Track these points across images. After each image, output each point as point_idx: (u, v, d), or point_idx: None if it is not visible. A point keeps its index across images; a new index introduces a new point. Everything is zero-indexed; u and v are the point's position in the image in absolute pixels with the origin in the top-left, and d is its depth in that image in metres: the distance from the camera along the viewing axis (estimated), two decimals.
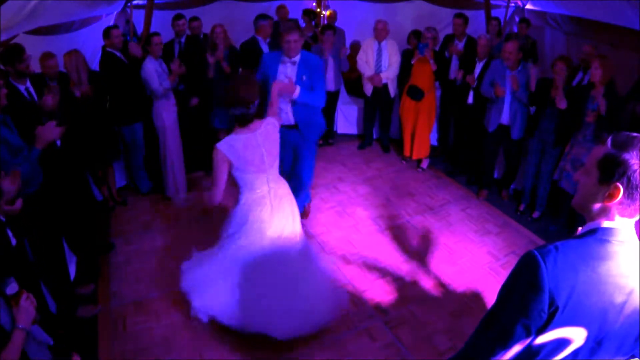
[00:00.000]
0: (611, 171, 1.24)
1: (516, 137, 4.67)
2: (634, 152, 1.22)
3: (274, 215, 2.91)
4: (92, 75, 4.24)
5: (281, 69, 3.82)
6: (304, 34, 4.09)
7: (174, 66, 4.59)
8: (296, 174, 4.20)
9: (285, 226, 2.99)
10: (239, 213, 2.92)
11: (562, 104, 4.03)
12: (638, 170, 1.22)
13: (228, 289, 2.99)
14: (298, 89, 3.71)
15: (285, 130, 3.96)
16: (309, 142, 4.05)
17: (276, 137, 2.87)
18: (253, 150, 2.72)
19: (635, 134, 1.26)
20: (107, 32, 4.54)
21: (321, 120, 4.12)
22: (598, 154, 1.29)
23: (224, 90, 2.81)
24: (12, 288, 2.22)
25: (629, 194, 1.24)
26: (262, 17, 5.43)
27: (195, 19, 5.49)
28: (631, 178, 1.22)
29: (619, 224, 1.28)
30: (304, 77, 3.77)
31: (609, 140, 1.27)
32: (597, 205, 1.30)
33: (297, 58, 3.78)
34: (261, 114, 2.97)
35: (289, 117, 3.93)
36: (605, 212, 1.29)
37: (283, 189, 3.02)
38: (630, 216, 1.28)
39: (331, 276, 3.47)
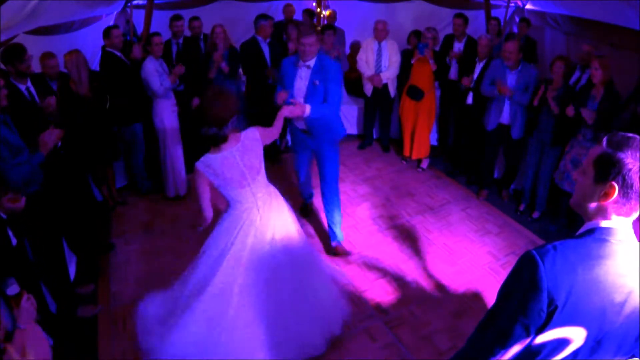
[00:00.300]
0: (606, 170, 1.25)
1: (516, 137, 4.67)
2: (629, 152, 1.23)
3: (264, 223, 2.80)
4: (93, 75, 4.25)
5: (298, 72, 3.73)
6: (321, 39, 3.92)
7: (175, 69, 4.61)
8: (321, 177, 4.05)
9: (280, 229, 2.90)
10: (225, 226, 2.80)
11: (555, 109, 4.08)
12: (633, 170, 1.23)
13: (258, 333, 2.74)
14: (308, 108, 3.55)
15: (301, 134, 3.91)
16: (326, 145, 3.88)
17: (258, 149, 2.74)
18: (231, 168, 2.60)
19: (630, 134, 1.27)
20: (107, 32, 4.54)
21: (337, 124, 3.91)
22: (594, 154, 1.30)
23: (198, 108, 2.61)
24: (13, 289, 2.23)
25: (624, 193, 1.25)
26: (262, 17, 5.43)
27: (195, 18, 5.48)
28: (626, 177, 1.23)
29: (617, 224, 1.29)
30: (317, 82, 3.64)
31: (604, 140, 1.28)
32: (593, 205, 1.31)
33: (312, 62, 3.66)
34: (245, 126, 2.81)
35: (302, 123, 3.84)
36: (601, 212, 1.30)
37: (272, 194, 2.91)
38: (627, 215, 1.29)
39: (334, 276, 3.44)
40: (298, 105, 3.51)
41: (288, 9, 6.29)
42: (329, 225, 4.17)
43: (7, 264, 2.48)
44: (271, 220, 2.84)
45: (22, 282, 2.48)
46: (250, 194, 2.74)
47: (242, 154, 2.64)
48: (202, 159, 2.59)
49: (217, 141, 2.55)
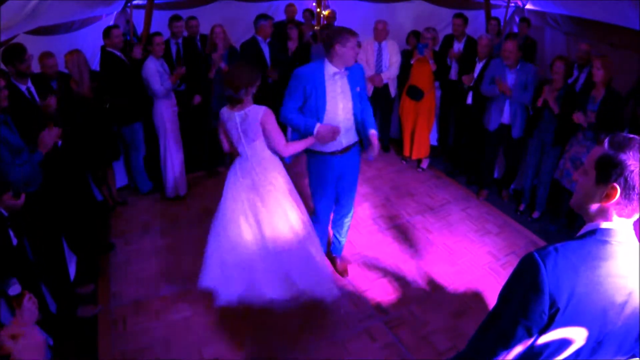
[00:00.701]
0: (608, 172, 1.25)
1: (517, 136, 4.67)
2: (631, 153, 1.22)
3: (247, 187, 3.10)
4: (93, 75, 4.25)
5: (332, 82, 3.16)
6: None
7: (177, 70, 4.61)
8: (340, 202, 3.64)
9: (276, 207, 3.08)
10: (230, 176, 3.21)
11: (555, 108, 4.09)
12: (635, 171, 1.22)
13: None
14: (374, 133, 3.32)
15: (331, 157, 3.33)
16: (357, 161, 3.52)
17: (254, 125, 3.01)
18: (231, 125, 3.06)
19: (632, 135, 1.26)
20: (107, 32, 4.54)
21: None
22: (595, 155, 1.29)
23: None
24: (14, 289, 2.24)
25: (626, 194, 1.24)
26: (262, 17, 5.43)
27: (192, 18, 5.47)
28: (628, 179, 1.23)
29: (618, 225, 1.28)
30: (358, 89, 3.25)
31: (606, 141, 1.28)
32: (594, 206, 1.31)
33: (343, 67, 3.18)
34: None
35: (340, 141, 3.28)
36: (603, 213, 1.29)
37: (269, 165, 3.12)
38: (628, 216, 1.28)
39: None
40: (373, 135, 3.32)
41: (290, 9, 6.28)
42: (334, 237, 3.95)
43: (7, 264, 2.48)
44: (270, 193, 3.09)
45: (22, 282, 2.48)
46: (245, 151, 3.10)
47: (241, 120, 3.02)
48: (223, 107, 3.12)
49: (231, 101, 3.01)
